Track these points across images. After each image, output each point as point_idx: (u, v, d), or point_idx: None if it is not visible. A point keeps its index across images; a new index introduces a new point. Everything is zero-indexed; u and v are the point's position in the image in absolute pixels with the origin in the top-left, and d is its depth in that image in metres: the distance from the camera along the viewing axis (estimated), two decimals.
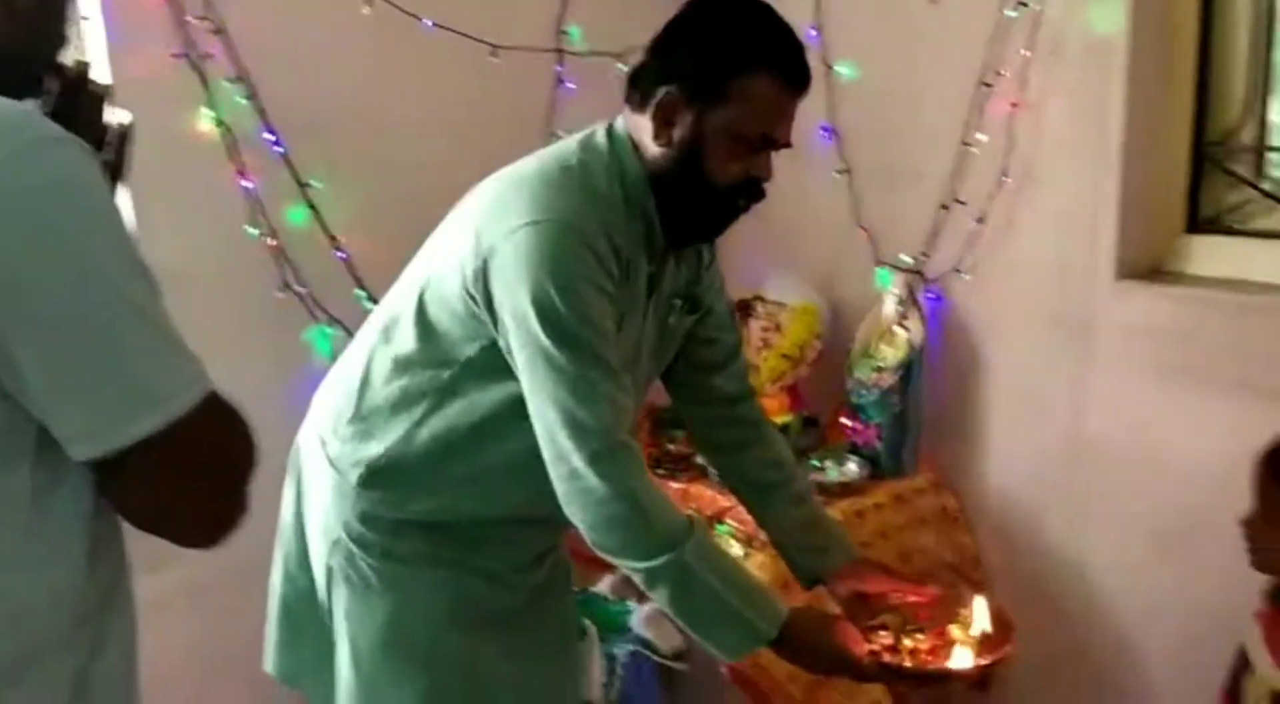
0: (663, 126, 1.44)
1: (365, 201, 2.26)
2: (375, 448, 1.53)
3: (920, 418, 2.35)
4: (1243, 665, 1.61)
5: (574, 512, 1.43)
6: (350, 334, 1.91)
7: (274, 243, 2.19)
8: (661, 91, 1.43)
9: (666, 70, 1.45)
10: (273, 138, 2.16)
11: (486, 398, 1.49)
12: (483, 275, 1.41)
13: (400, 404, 1.52)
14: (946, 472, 2.40)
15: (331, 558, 1.57)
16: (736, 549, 2.08)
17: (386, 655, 1.56)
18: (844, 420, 2.36)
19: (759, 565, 2.03)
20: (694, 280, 1.63)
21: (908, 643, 1.51)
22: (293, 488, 1.66)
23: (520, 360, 1.41)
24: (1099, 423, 2.15)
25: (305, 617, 1.63)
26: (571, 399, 1.38)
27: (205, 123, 2.10)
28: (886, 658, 1.46)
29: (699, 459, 2.38)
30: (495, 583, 1.62)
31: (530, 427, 1.42)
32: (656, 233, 1.51)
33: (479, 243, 1.42)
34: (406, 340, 1.51)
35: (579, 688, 1.85)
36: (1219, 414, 1.94)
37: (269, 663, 1.70)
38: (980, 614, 1.53)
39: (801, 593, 1.74)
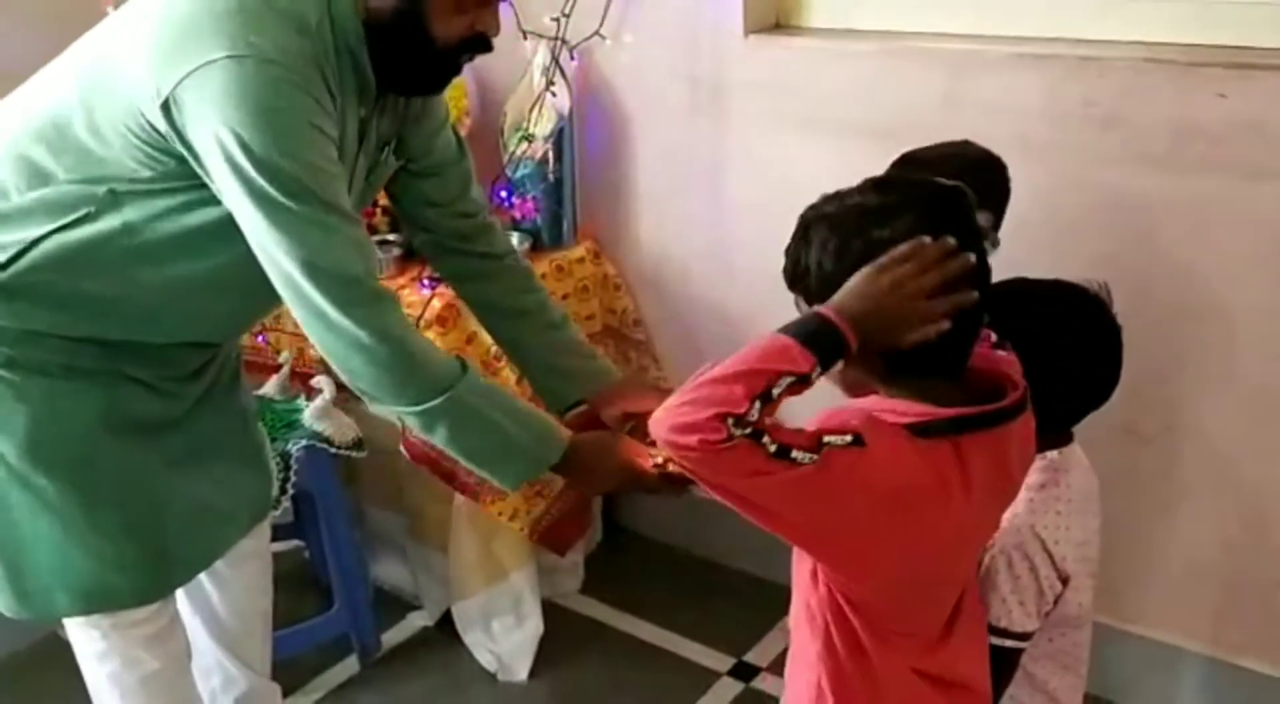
0: None
1: None
2: None
3: (575, 187, 2.38)
4: None
5: (337, 361, 1.37)
6: None
7: None
8: None
9: None
10: None
11: (167, 222, 1.39)
12: (169, 115, 1.27)
13: (34, 213, 1.38)
14: (604, 239, 2.46)
15: None
16: None
17: (35, 470, 1.47)
18: (501, 194, 2.34)
19: None
20: (406, 119, 1.55)
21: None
22: None
23: (241, 211, 1.31)
24: (737, 177, 2.26)
25: None
26: (311, 249, 1.30)
27: None
28: (670, 467, 1.44)
29: None
30: (153, 391, 1.55)
31: (217, 256, 1.38)
32: (369, 81, 1.41)
33: (160, 76, 1.27)
34: (50, 150, 1.37)
35: (263, 481, 1.80)
36: (845, 158, 2.07)
37: None
38: None
39: None
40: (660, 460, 1.46)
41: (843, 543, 1.04)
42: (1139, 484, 1.94)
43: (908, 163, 1.59)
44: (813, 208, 1.10)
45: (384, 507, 2.46)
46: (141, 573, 1.59)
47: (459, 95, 2.42)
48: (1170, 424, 1.90)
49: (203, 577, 1.77)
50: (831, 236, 1.05)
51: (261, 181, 1.27)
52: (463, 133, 2.41)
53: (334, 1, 1.35)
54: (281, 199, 1.28)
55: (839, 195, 1.09)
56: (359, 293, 1.34)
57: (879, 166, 2.01)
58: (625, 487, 1.52)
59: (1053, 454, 1.31)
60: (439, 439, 1.43)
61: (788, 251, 1.10)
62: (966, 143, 1.65)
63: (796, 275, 1.09)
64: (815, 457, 0.97)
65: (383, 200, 2.44)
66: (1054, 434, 1.30)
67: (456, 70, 1.47)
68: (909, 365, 1.05)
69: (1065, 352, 1.28)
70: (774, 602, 2.43)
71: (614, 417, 1.62)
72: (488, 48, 1.43)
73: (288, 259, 1.31)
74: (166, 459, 1.59)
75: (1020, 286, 1.32)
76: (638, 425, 1.56)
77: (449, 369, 1.41)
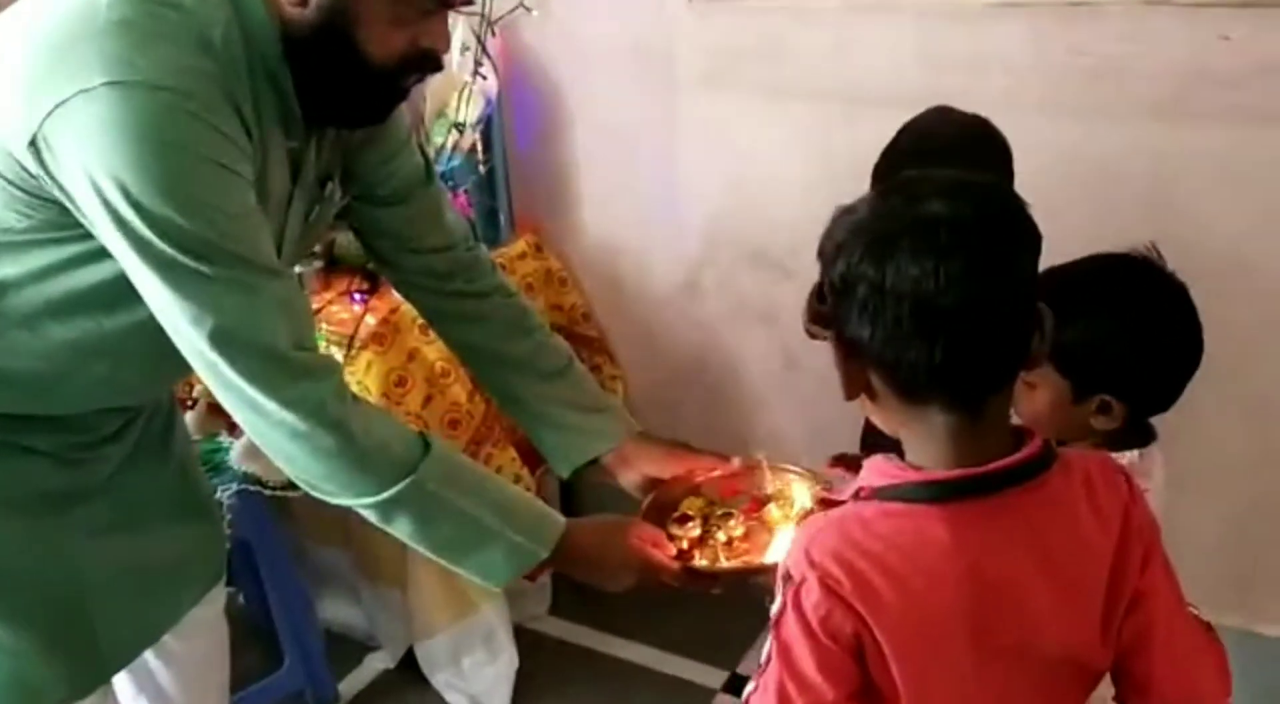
0: None
1: None
2: None
3: (509, 177, 2.17)
4: None
5: (271, 450, 1.14)
6: None
7: None
8: None
9: None
10: None
11: (50, 281, 1.14)
12: (39, 156, 1.02)
13: None
14: (545, 231, 2.26)
15: None
16: None
17: None
18: None
19: None
20: (350, 146, 1.29)
21: (720, 536, 1.28)
22: None
23: (133, 272, 1.06)
24: (692, 155, 2.09)
25: None
26: (223, 317, 1.06)
27: None
28: (696, 556, 1.24)
29: None
30: (60, 463, 1.32)
31: (116, 318, 1.15)
32: (293, 106, 1.15)
33: (29, 109, 1.01)
34: None
35: (215, 538, 1.58)
36: (814, 128, 1.94)
37: None
38: (800, 493, 1.31)
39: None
40: (685, 547, 1.26)
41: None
42: None
43: (910, 153, 1.42)
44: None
45: (327, 543, 2.23)
46: (68, 663, 1.36)
47: None
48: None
49: (148, 654, 1.54)
50: None
51: (152, 238, 1.02)
52: None
53: (244, 10, 1.09)
54: (179, 258, 1.03)
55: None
56: (286, 369, 1.10)
57: (851, 136, 1.87)
58: (640, 582, 1.25)
59: (1131, 455, 1.17)
60: (401, 532, 1.19)
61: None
62: (943, 110, 1.49)
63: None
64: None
65: None
66: (1134, 431, 1.17)
67: (400, 95, 1.21)
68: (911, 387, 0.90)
69: (1136, 329, 1.14)
70: (756, 607, 2.30)
71: (634, 482, 1.40)
72: (436, 66, 1.18)
73: (194, 330, 1.06)
74: (88, 531, 1.36)
75: (1058, 276, 1.17)
76: (659, 496, 1.34)
77: (408, 450, 1.17)
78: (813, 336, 1.66)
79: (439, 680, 2.15)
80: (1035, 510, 0.93)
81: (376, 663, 2.25)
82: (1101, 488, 0.97)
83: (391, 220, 1.39)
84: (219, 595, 1.62)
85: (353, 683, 2.22)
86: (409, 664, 2.20)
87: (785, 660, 0.93)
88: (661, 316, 2.26)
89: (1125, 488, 0.99)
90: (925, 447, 0.93)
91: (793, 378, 2.17)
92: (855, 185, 1.88)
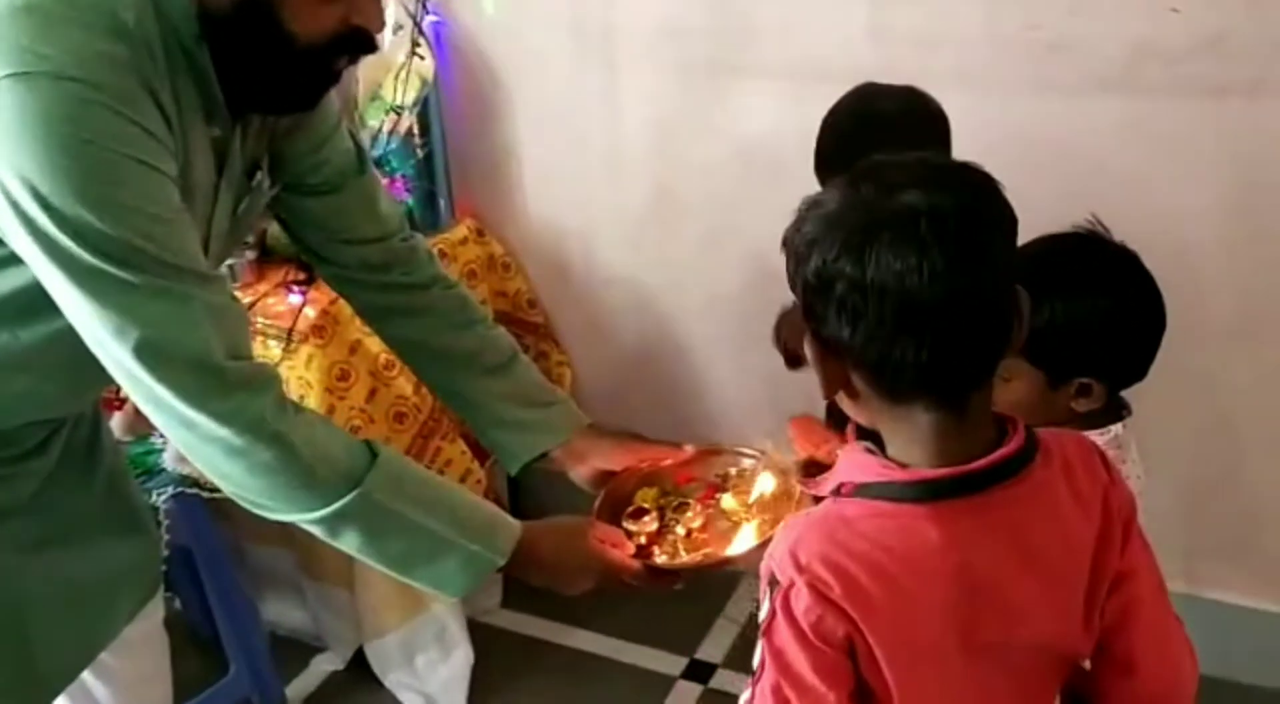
0: None
1: None
2: None
3: (448, 160, 2.10)
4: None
5: (208, 468, 1.07)
6: None
7: None
8: None
9: None
10: None
11: None
12: None
13: None
14: (486, 215, 2.19)
15: None
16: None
17: None
18: None
19: None
20: (278, 132, 1.21)
21: (679, 529, 1.25)
22: None
23: (47, 279, 0.98)
24: (636, 135, 2.04)
25: None
26: (148, 328, 0.98)
27: None
28: (655, 551, 1.22)
29: None
30: None
31: (32, 328, 1.07)
32: (215, 92, 1.07)
33: None
34: None
35: (147, 550, 1.50)
36: (764, 105, 1.91)
37: None
38: (758, 477, 1.27)
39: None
40: (644, 543, 1.22)
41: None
42: None
43: (853, 136, 1.40)
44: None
45: (268, 543, 2.15)
46: (6, 687, 1.29)
47: None
48: None
49: (86, 673, 1.46)
50: None
51: (66, 242, 0.95)
52: None
53: None
54: (98, 264, 0.96)
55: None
56: (219, 381, 1.03)
57: (804, 111, 1.82)
58: (601, 583, 1.21)
59: (1116, 429, 1.16)
60: (349, 547, 1.13)
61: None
62: (871, 86, 1.47)
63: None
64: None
65: None
66: (1111, 407, 1.16)
67: (331, 78, 1.13)
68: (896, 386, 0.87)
69: (1105, 306, 1.13)
70: (711, 590, 2.29)
71: (585, 476, 1.36)
72: (369, 46, 1.10)
73: (118, 343, 0.99)
74: (16, 547, 1.28)
75: None
76: (612, 490, 1.30)
77: (353, 459, 1.11)
78: (792, 366, 1.56)
79: (391, 680, 2.10)
80: (1019, 505, 0.91)
81: (324, 665, 2.18)
82: (1081, 472, 0.96)
83: (323, 211, 1.31)
84: (156, 608, 1.54)
85: (300, 686, 2.15)
86: (359, 664, 2.14)
87: (780, 666, 0.90)
88: (608, 300, 2.21)
89: (1103, 470, 0.98)
90: (909, 444, 0.90)
91: (744, 358, 2.14)
92: (804, 164, 1.87)
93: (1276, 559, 1.89)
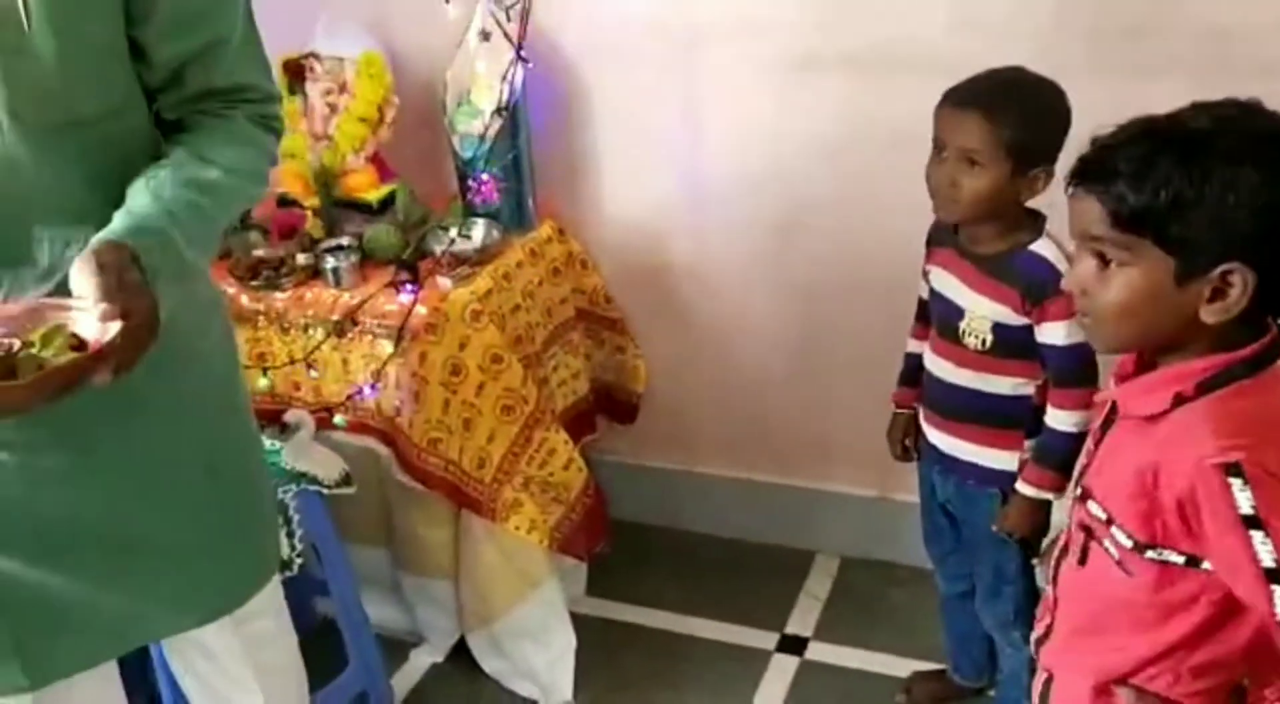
0: None
1: None
2: None
3: (532, 162, 2.16)
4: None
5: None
6: None
7: None
8: None
9: None
10: None
11: None
12: None
13: None
14: (564, 214, 2.26)
15: None
16: None
17: None
18: (470, 182, 2.10)
19: None
20: None
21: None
22: None
23: None
24: (714, 131, 2.11)
25: None
26: None
27: None
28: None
29: (301, 257, 2.02)
30: None
31: None
32: None
33: None
34: None
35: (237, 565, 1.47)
36: (842, 99, 1.98)
37: None
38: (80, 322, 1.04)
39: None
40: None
41: None
42: None
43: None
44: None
45: (368, 543, 2.19)
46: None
47: (379, 71, 2.14)
48: None
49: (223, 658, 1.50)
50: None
51: None
52: (391, 115, 2.17)
53: None
54: None
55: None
56: None
57: (883, 105, 1.94)
58: None
59: None
60: None
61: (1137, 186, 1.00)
62: (1019, 70, 1.58)
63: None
64: None
65: (312, 200, 2.16)
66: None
67: None
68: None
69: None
70: (781, 567, 2.37)
71: None
72: None
73: None
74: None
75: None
76: None
77: None
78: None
79: (494, 668, 2.15)
80: None
81: (424, 658, 2.23)
82: None
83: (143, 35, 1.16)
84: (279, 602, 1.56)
85: (404, 680, 2.19)
86: (458, 656, 2.19)
87: None
88: (680, 291, 2.29)
89: None
90: (1235, 330, 1.03)
91: (813, 356, 2.23)
92: (888, 154, 1.94)
93: None
